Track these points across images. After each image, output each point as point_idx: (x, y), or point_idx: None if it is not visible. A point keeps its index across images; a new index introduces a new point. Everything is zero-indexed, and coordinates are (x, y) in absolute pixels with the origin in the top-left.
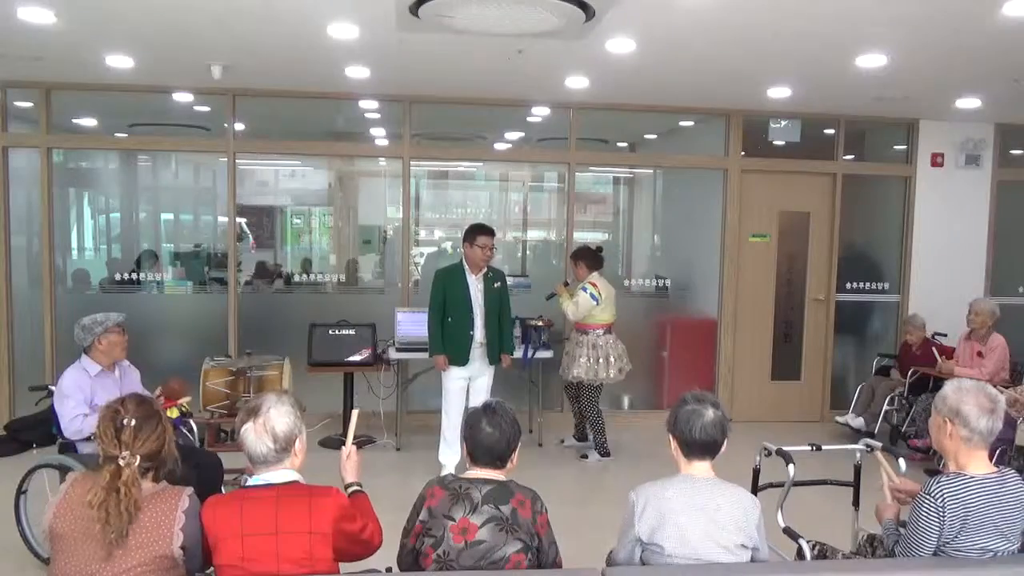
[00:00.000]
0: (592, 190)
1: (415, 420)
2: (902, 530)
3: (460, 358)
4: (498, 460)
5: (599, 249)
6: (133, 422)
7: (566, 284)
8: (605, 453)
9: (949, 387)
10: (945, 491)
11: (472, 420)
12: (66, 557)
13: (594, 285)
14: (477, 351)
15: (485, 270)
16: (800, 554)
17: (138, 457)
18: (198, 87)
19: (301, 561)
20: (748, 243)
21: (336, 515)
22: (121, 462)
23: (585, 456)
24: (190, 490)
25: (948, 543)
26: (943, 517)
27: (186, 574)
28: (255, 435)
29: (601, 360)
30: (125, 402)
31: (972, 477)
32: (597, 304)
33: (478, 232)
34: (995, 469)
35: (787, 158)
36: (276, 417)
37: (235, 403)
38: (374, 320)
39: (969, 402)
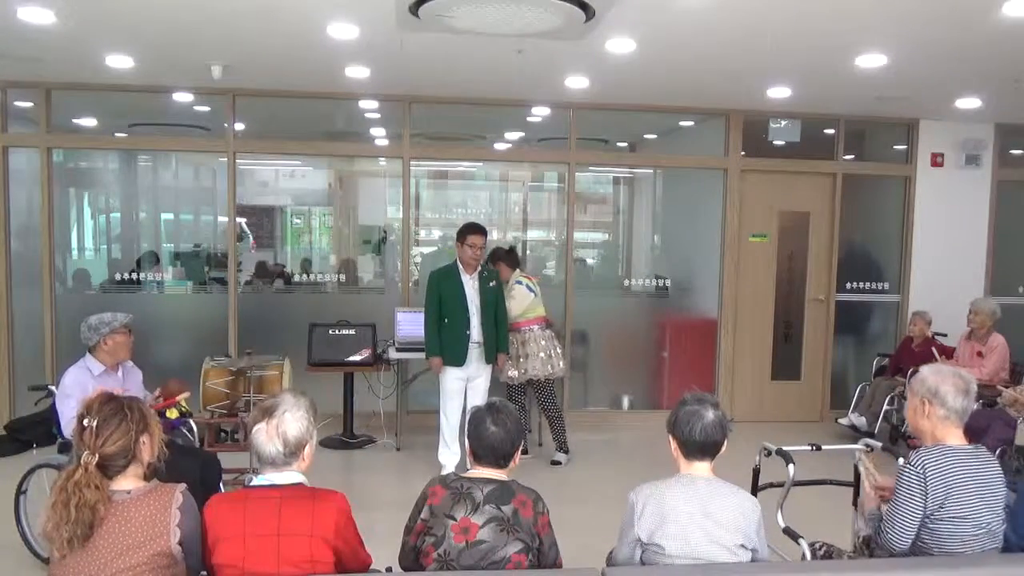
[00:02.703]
0: (592, 190)
1: (415, 420)
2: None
3: (457, 358)
4: (501, 460)
5: (512, 248)
6: (95, 422)
7: None
8: (567, 450)
9: (926, 370)
10: (925, 460)
11: (476, 419)
12: (63, 557)
13: (528, 278)
14: (474, 351)
15: (480, 269)
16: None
17: (96, 456)
18: (198, 87)
19: (301, 563)
20: (748, 243)
21: (338, 520)
22: (81, 462)
23: (558, 462)
24: (183, 486)
25: (934, 513)
26: (926, 485)
27: (186, 571)
28: (266, 436)
29: (552, 354)
30: (92, 402)
31: (951, 447)
32: (535, 296)
33: (469, 231)
34: (971, 444)
35: (787, 158)
36: (289, 421)
37: (235, 403)
38: (374, 320)
39: (947, 383)
